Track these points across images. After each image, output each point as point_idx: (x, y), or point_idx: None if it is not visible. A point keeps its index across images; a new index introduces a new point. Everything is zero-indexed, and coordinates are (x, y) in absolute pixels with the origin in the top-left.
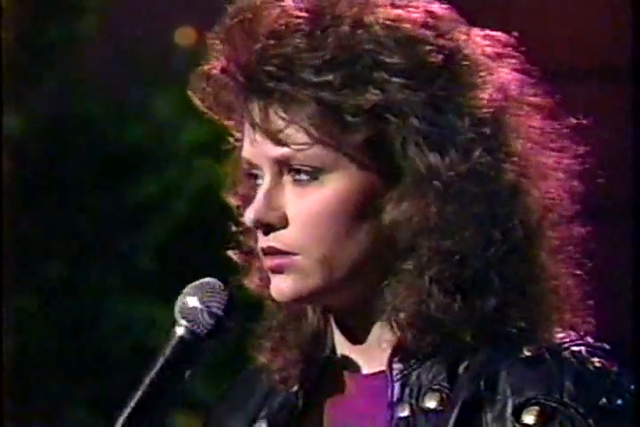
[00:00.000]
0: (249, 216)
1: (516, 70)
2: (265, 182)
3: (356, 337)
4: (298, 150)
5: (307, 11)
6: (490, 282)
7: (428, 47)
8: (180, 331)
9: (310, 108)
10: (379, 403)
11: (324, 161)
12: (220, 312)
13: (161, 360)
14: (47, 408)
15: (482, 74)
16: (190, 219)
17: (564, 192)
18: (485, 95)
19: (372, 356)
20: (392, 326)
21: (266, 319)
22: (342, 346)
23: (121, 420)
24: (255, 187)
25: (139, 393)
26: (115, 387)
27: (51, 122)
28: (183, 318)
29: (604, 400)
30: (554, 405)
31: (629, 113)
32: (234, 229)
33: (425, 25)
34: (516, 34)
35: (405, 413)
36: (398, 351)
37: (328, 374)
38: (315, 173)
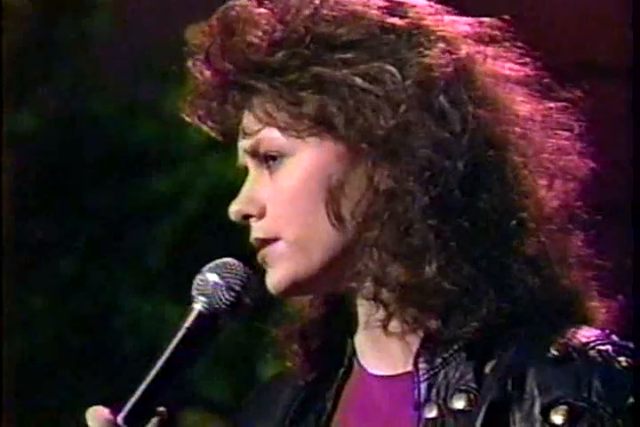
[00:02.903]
0: (232, 209)
1: (505, 54)
2: (248, 177)
3: (373, 338)
4: (259, 139)
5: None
6: (434, 249)
7: (370, 22)
8: (197, 306)
9: (262, 93)
10: (404, 404)
11: (283, 146)
12: (238, 288)
13: (178, 334)
14: (58, 406)
15: (429, 44)
16: (201, 217)
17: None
18: (427, 60)
19: (394, 358)
20: (387, 309)
21: (287, 323)
22: (361, 347)
23: (133, 399)
24: None
25: (154, 369)
26: (125, 385)
27: (63, 120)
28: (201, 294)
29: (632, 400)
30: (582, 404)
31: (629, 112)
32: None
33: (375, 6)
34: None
35: (433, 413)
36: (423, 351)
37: (353, 376)
38: (279, 158)
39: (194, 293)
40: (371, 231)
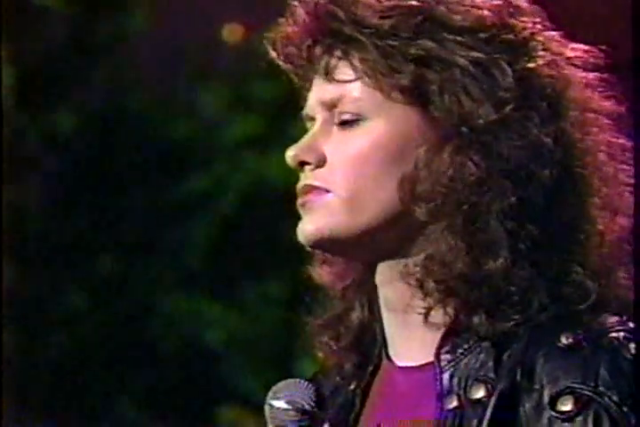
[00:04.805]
0: (289, 154)
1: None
2: (314, 127)
3: (403, 327)
4: (348, 90)
5: None
6: (504, 244)
7: (486, 12)
8: None
9: (366, 49)
10: (428, 395)
11: (368, 106)
12: (309, 408)
13: None
14: (98, 403)
15: (540, 53)
16: (238, 214)
17: (611, 169)
18: (535, 66)
19: (419, 347)
20: (426, 297)
21: (317, 316)
22: (391, 338)
23: None
24: None
25: None
26: (164, 381)
27: (101, 119)
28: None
29: (634, 387)
30: (589, 393)
31: (630, 112)
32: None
33: (498, 5)
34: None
35: (454, 404)
36: (445, 342)
37: (380, 368)
38: (358, 118)
39: (269, 423)
40: (447, 217)
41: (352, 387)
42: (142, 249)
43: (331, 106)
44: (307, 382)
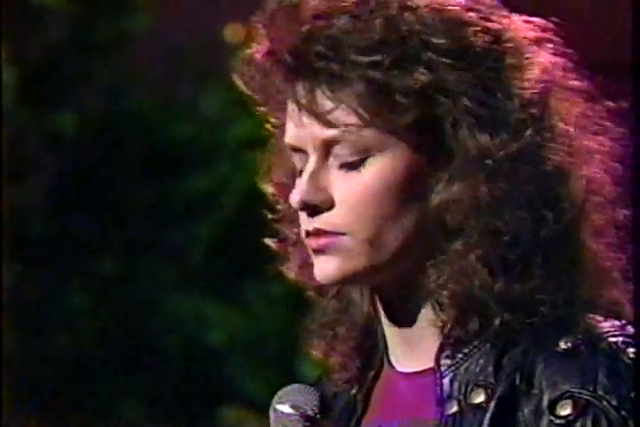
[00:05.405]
0: (295, 198)
1: (555, 55)
2: (310, 164)
3: (405, 332)
4: (346, 132)
5: None
6: (532, 264)
7: (474, 28)
8: None
9: (359, 89)
10: (428, 400)
11: (372, 143)
12: (313, 414)
13: None
14: (98, 404)
15: (527, 56)
16: (240, 214)
17: (606, 174)
18: (532, 76)
19: (420, 353)
20: (436, 310)
21: (315, 316)
22: (392, 344)
23: None
24: (292, 174)
25: None
26: (166, 382)
27: (103, 119)
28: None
29: (633, 393)
30: (587, 398)
31: (631, 110)
32: (270, 216)
33: (469, 8)
34: (555, 19)
35: (454, 409)
36: (445, 347)
37: (382, 377)
38: (362, 155)
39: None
40: (474, 247)
41: (354, 391)
42: (144, 249)
43: (326, 145)
44: (312, 388)
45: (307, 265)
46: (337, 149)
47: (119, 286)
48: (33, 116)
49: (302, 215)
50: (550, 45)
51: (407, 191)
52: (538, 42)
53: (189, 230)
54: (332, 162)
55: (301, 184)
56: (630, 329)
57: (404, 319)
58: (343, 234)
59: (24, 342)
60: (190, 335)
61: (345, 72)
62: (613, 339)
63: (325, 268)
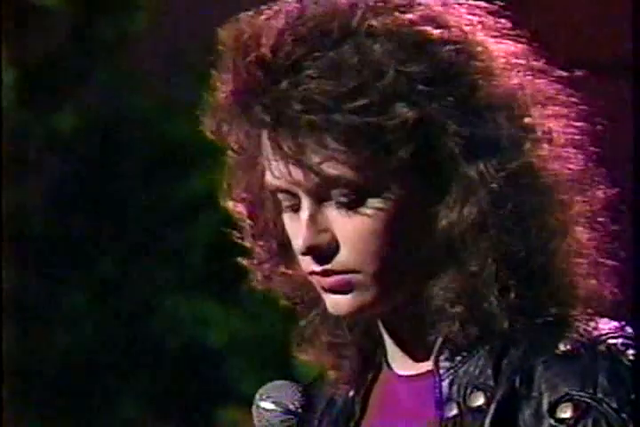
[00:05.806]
0: (298, 244)
1: (511, 40)
2: (305, 209)
3: (404, 335)
4: (340, 179)
5: (309, 26)
6: (538, 273)
7: (446, 47)
8: None
9: (344, 136)
10: (428, 403)
11: (369, 185)
12: (294, 409)
13: None
14: (98, 404)
15: (493, 55)
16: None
17: (582, 157)
18: (506, 80)
19: (419, 356)
20: (439, 321)
21: (312, 320)
22: (391, 346)
23: None
24: (254, 190)
25: None
26: (165, 382)
27: (102, 119)
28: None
29: (633, 395)
30: (587, 400)
31: (630, 109)
32: (236, 235)
33: (429, 20)
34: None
35: (454, 412)
36: (444, 349)
37: (381, 379)
38: (360, 196)
39: (256, 423)
40: (486, 265)
41: (351, 394)
42: (143, 250)
43: (317, 191)
44: (294, 384)
45: (275, 274)
46: (333, 193)
47: (119, 286)
48: (33, 117)
49: (304, 258)
50: (499, 27)
51: (410, 224)
52: (487, 29)
53: (189, 231)
54: (329, 202)
55: (302, 230)
56: (629, 331)
57: (403, 322)
58: (353, 271)
59: (24, 341)
60: (190, 336)
61: (327, 121)
62: (613, 341)
63: (341, 304)
